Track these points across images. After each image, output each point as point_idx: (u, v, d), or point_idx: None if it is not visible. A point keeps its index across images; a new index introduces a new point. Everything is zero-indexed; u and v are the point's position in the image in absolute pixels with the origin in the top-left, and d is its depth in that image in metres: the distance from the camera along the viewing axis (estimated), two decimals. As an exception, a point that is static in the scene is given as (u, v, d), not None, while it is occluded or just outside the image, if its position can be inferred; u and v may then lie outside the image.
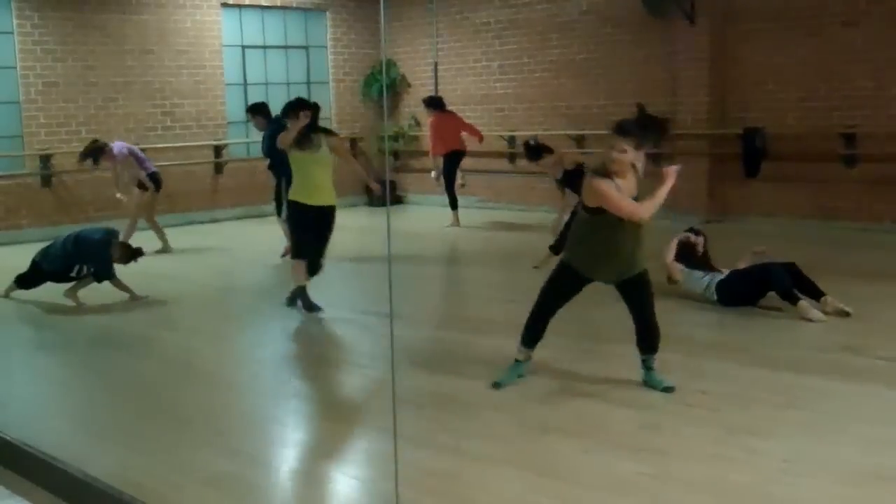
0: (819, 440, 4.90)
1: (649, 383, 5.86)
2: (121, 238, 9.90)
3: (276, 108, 15.73)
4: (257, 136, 15.71)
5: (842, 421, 5.20)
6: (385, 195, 14.01)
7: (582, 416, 5.37)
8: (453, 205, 13.54)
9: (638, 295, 5.85)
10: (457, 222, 13.37)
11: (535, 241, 10.91)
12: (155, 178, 11.74)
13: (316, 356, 6.90)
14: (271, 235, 13.05)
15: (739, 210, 12.88)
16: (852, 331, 7.07)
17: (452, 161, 13.58)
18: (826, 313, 7.36)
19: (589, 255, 5.79)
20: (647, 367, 5.92)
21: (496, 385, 5.88)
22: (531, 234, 12.40)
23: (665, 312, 7.79)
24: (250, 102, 12.46)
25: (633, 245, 5.68)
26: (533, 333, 5.97)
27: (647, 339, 5.92)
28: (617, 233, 5.61)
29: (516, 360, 6.02)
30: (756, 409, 5.40)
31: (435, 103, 13.78)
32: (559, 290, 5.95)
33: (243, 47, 15.53)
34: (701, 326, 7.33)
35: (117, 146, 11.57)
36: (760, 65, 12.57)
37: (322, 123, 14.62)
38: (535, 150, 10.34)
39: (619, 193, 5.54)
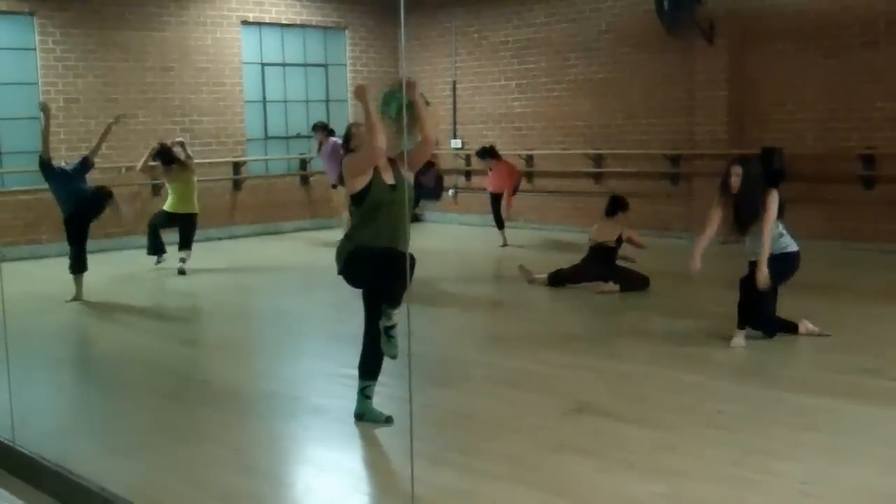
0: (837, 462, 4.87)
1: (368, 416, 5.67)
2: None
3: (293, 125, 15.95)
4: (276, 152, 15.90)
5: (859, 443, 5.17)
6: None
7: (598, 436, 5.35)
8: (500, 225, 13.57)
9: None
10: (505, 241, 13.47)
11: (553, 259, 10.91)
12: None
13: (333, 373, 6.91)
14: (288, 252, 13.10)
15: (757, 230, 12.83)
16: (870, 353, 7.03)
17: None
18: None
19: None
20: (367, 396, 5.72)
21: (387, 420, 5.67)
22: (548, 252, 12.40)
23: (681, 334, 7.80)
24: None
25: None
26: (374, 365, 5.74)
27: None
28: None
29: (367, 397, 5.73)
30: (773, 431, 5.38)
31: (491, 154, 13.54)
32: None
33: (263, 65, 15.64)
34: (718, 347, 7.30)
35: (332, 141, 13.23)
36: (779, 85, 12.56)
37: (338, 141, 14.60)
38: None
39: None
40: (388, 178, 5.55)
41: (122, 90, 13.98)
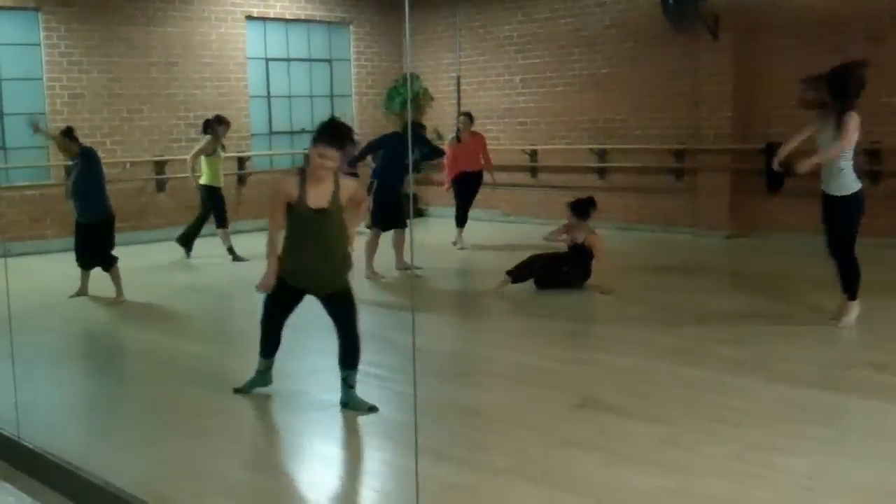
0: (841, 457, 4.87)
1: (350, 404, 5.80)
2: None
3: (297, 120, 15.95)
4: (280, 147, 15.88)
5: (864, 438, 5.16)
6: (409, 208, 13.96)
7: (602, 431, 5.36)
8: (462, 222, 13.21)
9: (340, 311, 5.86)
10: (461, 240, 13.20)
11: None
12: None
13: (337, 368, 6.91)
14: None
15: (762, 226, 12.82)
16: (875, 347, 7.03)
17: (475, 182, 13.23)
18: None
19: (288, 260, 5.78)
20: (347, 385, 5.86)
21: (237, 391, 6.20)
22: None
23: (684, 329, 7.80)
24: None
25: (322, 257, 5.68)
26: (268, 344, 6.14)
27: (348, 357, 5.86)
28: (304, 239, 5.65)
29: (258, 371, 6.20)
30: (778, 426, 5.37)
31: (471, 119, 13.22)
32: (276, 301, 5.98)
33: (267, 60, 15.64)
34: (722, 342, 7.30)
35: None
36: (784, 80, 12.50)
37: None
38: None
39: (276, 201, 5.66)
40: (318, 201, 5.58)
41: (127, 85, 13.99)
